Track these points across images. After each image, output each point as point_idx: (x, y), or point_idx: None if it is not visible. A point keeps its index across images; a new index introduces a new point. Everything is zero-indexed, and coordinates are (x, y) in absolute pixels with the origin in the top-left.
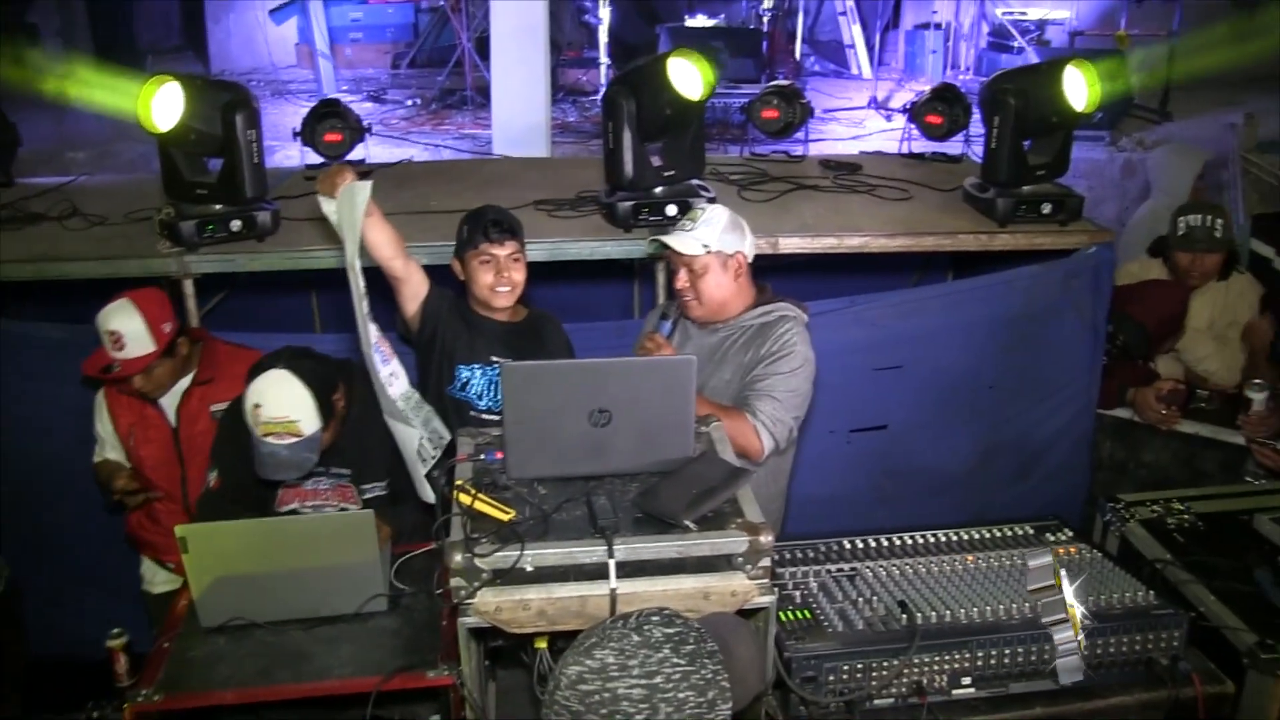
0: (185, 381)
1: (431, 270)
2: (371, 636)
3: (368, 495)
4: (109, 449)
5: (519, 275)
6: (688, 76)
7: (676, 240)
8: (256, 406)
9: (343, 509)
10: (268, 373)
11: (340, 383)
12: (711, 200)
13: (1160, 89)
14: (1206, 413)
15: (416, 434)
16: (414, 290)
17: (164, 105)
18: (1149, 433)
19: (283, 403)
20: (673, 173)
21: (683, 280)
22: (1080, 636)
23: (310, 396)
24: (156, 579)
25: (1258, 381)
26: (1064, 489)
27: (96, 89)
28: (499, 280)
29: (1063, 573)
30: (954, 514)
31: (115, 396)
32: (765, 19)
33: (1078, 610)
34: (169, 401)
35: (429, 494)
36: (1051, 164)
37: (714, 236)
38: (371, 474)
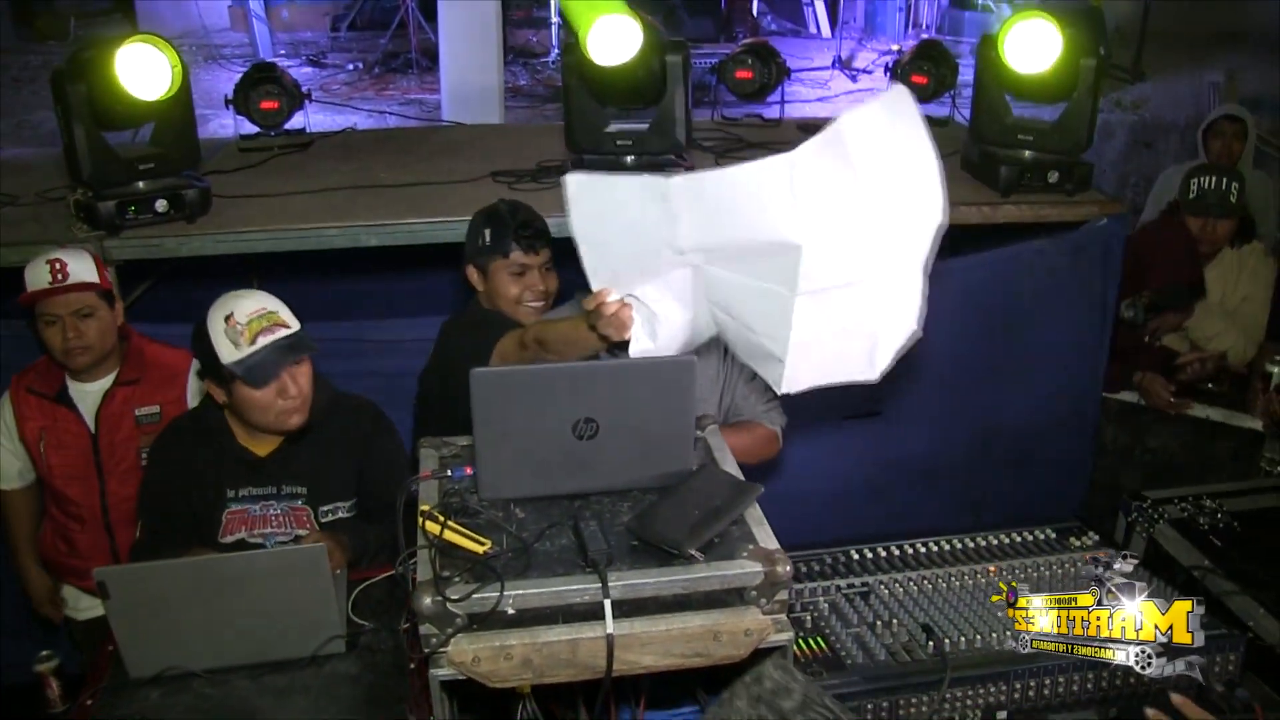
0: (107, 381)
1: (376, 254)
2: (328, 685)
3: (327, 519)
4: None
5: (554, 285)
6: (606, 43)
7: None
8: (229, 315)
9: (298, 538)
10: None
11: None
12: (689, 168)
13: (1133, 47)
14: (1216, 395)
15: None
16: None
17: (148, 70)
18: (1155, 417)
19: (257, 299)
20: (633, 139)
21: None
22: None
23: (282, 304)
24: (80, 604)
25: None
26: (1065, 477)
27: None
28: (531, 294)
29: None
30: (950, 503)
31: (23, 396)
32: None
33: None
34: (87, 404)
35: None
36: (1058, 128)
37: None
38: (332, 492)
